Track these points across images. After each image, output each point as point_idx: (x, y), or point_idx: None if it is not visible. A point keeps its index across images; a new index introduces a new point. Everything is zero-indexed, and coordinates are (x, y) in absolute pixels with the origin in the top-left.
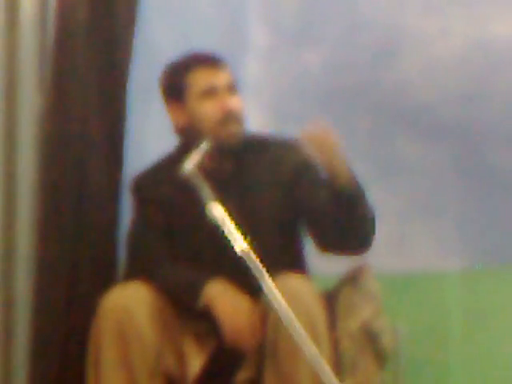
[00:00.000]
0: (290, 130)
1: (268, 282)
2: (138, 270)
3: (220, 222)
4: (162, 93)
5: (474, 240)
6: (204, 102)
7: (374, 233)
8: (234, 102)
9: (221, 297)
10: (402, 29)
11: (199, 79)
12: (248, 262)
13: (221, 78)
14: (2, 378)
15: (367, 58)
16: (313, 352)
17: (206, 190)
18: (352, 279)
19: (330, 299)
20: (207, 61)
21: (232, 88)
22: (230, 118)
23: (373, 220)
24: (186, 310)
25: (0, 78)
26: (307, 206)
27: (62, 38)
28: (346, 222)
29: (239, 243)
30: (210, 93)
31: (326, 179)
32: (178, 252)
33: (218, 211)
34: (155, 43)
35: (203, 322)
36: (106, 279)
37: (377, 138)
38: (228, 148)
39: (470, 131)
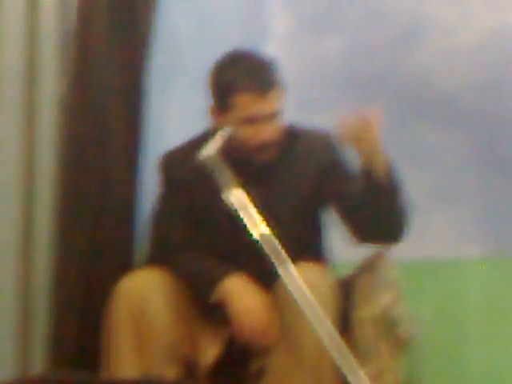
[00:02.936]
0: (310, 117)
1: (287, 268)
2: (159, 254)
3: (238, 208)
4: (209, 87)
5: (493, 228)
6: (244, 127)
7: (407, 223)
8: (273, 130)
9: (237, 293)
10: (422, 15)
11: (246, 105)
12: (267, 248)
13: (267, 106)
14: (21, 360)
15: (388, 44)
16: (329, 336)
17: (225, 176)
18: (370, 266)
19: (347, 286)
20: (258, 83)
21: (275, 115)
22: (265, 146)
23: (406, 210)
24: (201, 300)
25: (21, 64)
26: (339, 198)
27: (83, 24)
28: (381, 212)
29: (259, 228)
30: (253, 120)
31: (360, 169)
32: (199, 237)
33: (237, 197)
34: (176, 28)
35: (219, 310)
36: (123, 263)
37: (396, 125)
38: (258, 163)
39: (490, 119)
